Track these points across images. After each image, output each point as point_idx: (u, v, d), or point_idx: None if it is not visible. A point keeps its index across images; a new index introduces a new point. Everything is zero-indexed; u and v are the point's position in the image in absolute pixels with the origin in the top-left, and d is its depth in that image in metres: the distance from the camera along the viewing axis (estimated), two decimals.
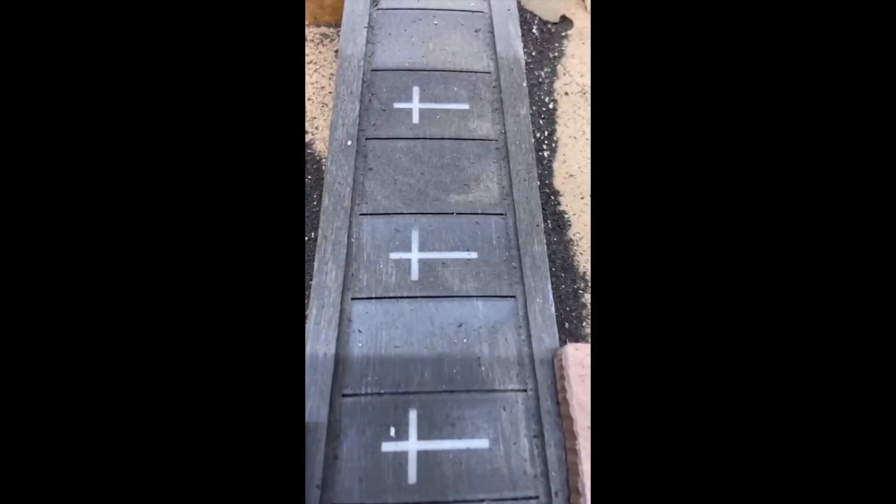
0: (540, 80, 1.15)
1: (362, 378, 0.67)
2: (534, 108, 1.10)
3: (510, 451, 0.65)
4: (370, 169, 0.84)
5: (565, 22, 1.27)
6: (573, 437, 0.62)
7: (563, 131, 1.10)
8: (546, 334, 0.71)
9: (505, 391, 0.68)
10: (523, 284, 0.75)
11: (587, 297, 0.92)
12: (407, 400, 0.66)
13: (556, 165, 1.06)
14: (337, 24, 1.18)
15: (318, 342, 0.68)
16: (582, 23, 1.27)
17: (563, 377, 0.65)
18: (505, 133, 0.88)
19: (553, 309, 0.73)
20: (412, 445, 0.64)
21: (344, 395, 0.66)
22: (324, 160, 1.01)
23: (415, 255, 0.77)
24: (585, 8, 1.30)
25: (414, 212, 0.80)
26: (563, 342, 0.86)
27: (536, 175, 0.85)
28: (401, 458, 0.63)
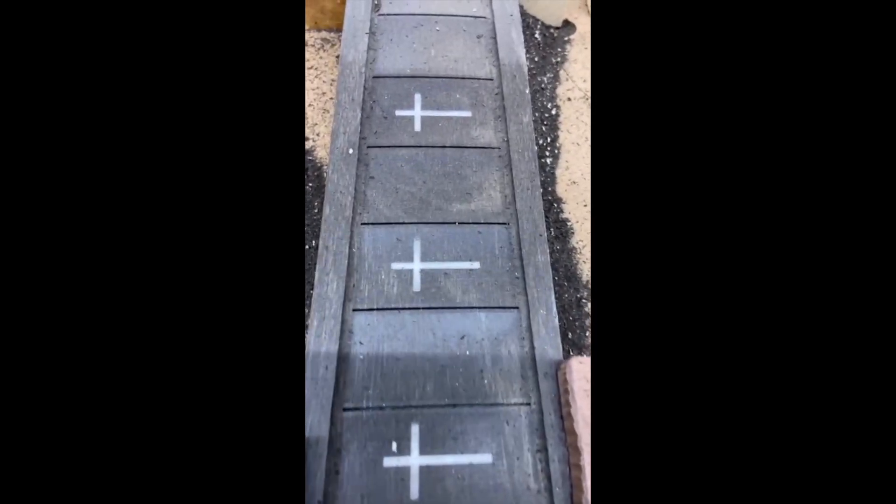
0: (542, 85, 1.14)
1: (364, 391, 0.66)
2: (536, 114, 1.09)
3: (513, 465, 0.64)
4: (371, 177, 0.83)
5: (568, 26, 1.26)
6: (577, 452, 0.61)
7: (565, 137, 1.09)
8: (549, 346, 0.70)
9: (508, 405, 0.67)
10: (526, 295, 0.74)
11: (591, 307, 0.91)
12: (409, 414, 0.65)
13: (558, 172, 1.05)
14: (338, 29, 1.17)
15: (319, 355, 0.67)
16: (584, 27, 1.26)
17: (567, 391, 0.64)
18: (507, 141, 0.88)
19: (557, 320, 0.72)
20: (414, 460, 0.63)
21: (345, 409, 0.65)
22: (325, 167, 1.00)
23: (417, 266, 0.76)
24: (588, 12, 1.29)
25: (416, 221, 0.80)
26: (566, 353, 0.85)
27: (539, 183, 0.84)
28: (403, 473, 0.63)
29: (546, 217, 0.97)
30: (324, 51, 1.16)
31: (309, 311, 0.72)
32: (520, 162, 0.86)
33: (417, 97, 0.91)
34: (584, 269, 0.95)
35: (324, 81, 1.11)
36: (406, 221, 0.79)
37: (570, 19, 1.27)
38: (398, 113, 0.89)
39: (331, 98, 1.09)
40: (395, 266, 0.76)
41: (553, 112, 1.11)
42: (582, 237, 0.98)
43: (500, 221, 0.81)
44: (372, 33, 0.98)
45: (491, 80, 0.94)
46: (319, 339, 0.68)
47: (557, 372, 0.68)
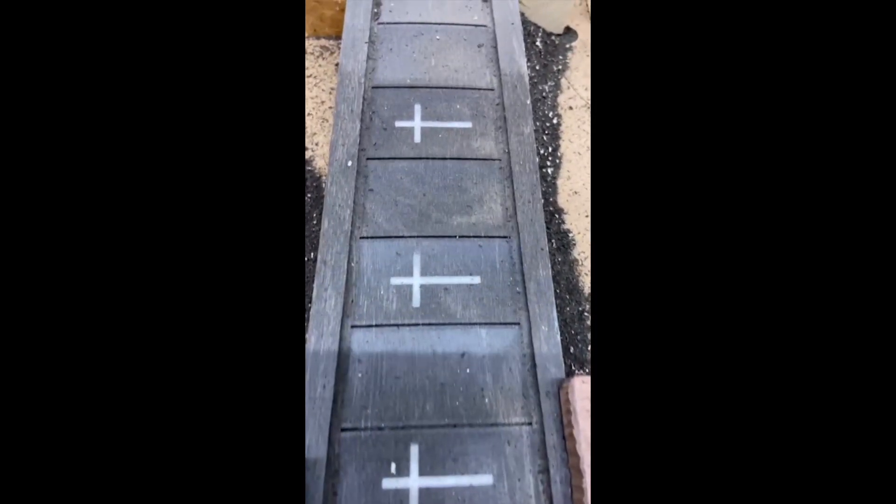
0: (543, 94, 1.13)
1: (362, 411, 0.65)
2: (537, 123, 1.08)
3: (515, 487, 0.63)
4: (371, 190, 0.82)
5: (569, 33, 1.25)
6: (579, 474, 0.60)
7: (567, 147, 1.08)
8: (551, 364, 0.69)
9: (509, 425, 0.66)
10: (528, 311, 0.73)
11: (591, 328, 0.90)
12: (408, 434, 0.64)
13: (560, 182, 1.04)
14: (337, 37, 1.16)
15: (317, 373, 0.66)
16: (586, 34, 1.25)
17: (569, 412, 0.63)
18: (508, 152, 0.86)
19: (559, 337, 0.71)
20: (413, 482, 0.62)
21: (343, 430, 0.64)
22: (324, 177, 0.99)
23: (416, 281, 0.75)
24: (589, 18, 1.28)
25: (415, 235, 0.78)
26: (568, 367, 0.84)
27: (541, 196, 0.83)
28: (402, 495, 0.61)
29: (547, 228, 0.96)
30: (322, 59, 1.15)
31: (307, 328, 0.71)
32: (521, 174, 0.84)
33: (417, 108, 0.90)
34: (586, 282, 0.93)
35: (322, 90, 1.10)
36: (406, 235, 0.78)
37: (572, 26, 1.26)
38: (398, 124, 0.88)
39: (330, 107, 1.07)
40: (395, 281, 0.75)
41: (554, 121, 1.10)
42: (583, 249, 0.97)
43: (501, 235, 0.80)
44: (371, 42, 0.97)
45: (492, 90, 0.93)
46: (318, 358, 0.67)
47: (559, 391, 0.67)
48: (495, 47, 0.98)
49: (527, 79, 0.94)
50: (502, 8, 1.03)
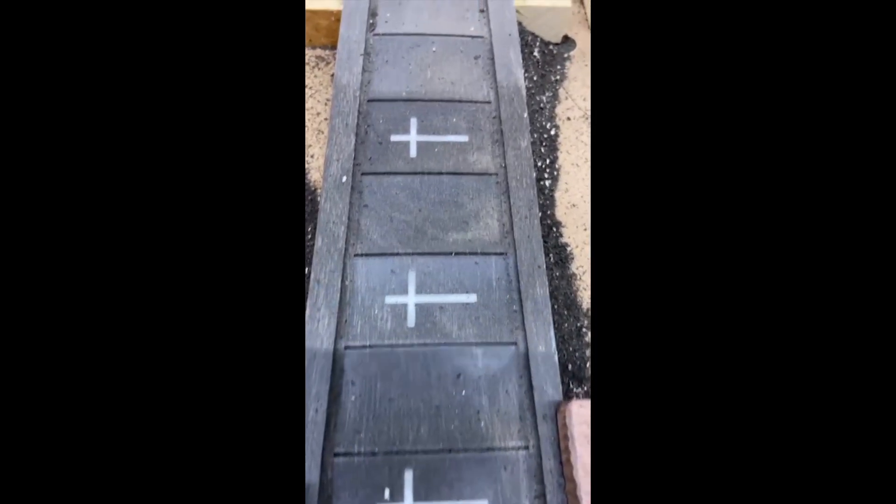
0: (541, 105, 1.12)
1: (355, 435, 0.64)
2: (535, 135, 1.07)
3: None
4: (365, 206, 0.81)
5: (568, 42, 1.23)
6: (576, 501, 0.59)
7: (564, 158, 1.07)
8: (549, 385, 0.68)
9: (505, 449, 0.64)
10: (524, 330, 0.72)
11: (591, 353, 0.89)
12: (402, 459, 0.63)
13: (557, 195, 1.03)
14: (333, 46, 1.15)
15: (310, 396, 0.65)
16: (584, 43, 1.24)
17: (566, 437, 0.62)
18: (505, 167, 0.85)
19: (556, 357, 0.70)
20: None
21: (336, 455, 0.63)
22: (318, 190, 0.98)
23: (411, 299, 0.74)
24: (588, 27, 1.27)
25: (411, 252, 0.77)
26: (566, 385, 0.83)
27: (538, 212, 0.82)
28: None
29: (545, 242, 0.95)
30: (318, 69, 1.14)
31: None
32: (518, 189, 0.83)
33: (413, 121, 0.89)
34: (584, 297, 0.92)
35: (318, 101, 1.09)
36: (401, 252, 0.77)
37: (571, 35, 1.25)
38: (393, 138, 0.87)
39: (325, 118, 1.06)
40: (389, 300, 0.73)
41: (552, 132, 1.09)
42: (582, 263, 0.96)
43: (498, 251, 0.79)
44: (367, 54, 0.96)
45: (488, 102, 0.92)
46: (311, 380, 0.66)
47: (557, 414, 0.65)
48: (492, 59, 0.97)
49: (524, 91, 0.93)
50: (499, 18, 1.02)
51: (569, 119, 1.12)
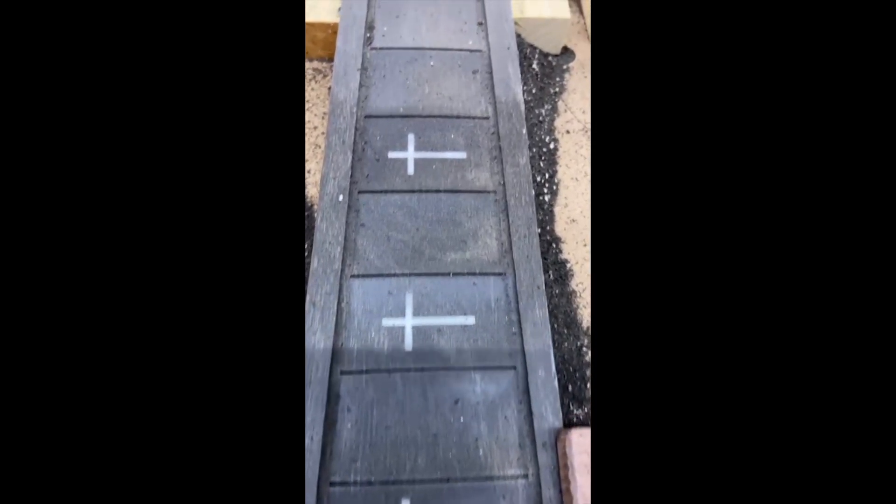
0: (540, 118, 1.11)
1: (351, 464, 0.63)
2: (534, 149, 1.06)
3: None
4: (362, 225, 0.80)
5: (567, 54, 1.22)
6: None
7: (564, 172, 1.06)
8: (549, 411, 0.67)
9: (504, 478, 0.63)
10: (524, 353, 0.71)
11: (591, 381, 0.87)
12: (399, 489, 0.62)
13: (557, 210, 1.02)
14: (329, 59, 1.14)
15: (306, 423, 0.64)
16: (583, 54, 1.23)
17: (566, 466, 0.61)
18: (504, 184, 0.84)
19: (556, 382, 0.69)
20: None
21: (332, 484, 0.62)
22: (315, 206, 0.97)
23: (409, 322, 0.72)
24: (588, 37, 1.26)
25: (408, 272, 0.76)
26: (566, 407, 0.81)
27: (537, 231, 0.81)
28: None
29: (544, 259, 0.94)
30: (315, 82, 1.12)
31: None
32: (517, 207, 0.82)
33: (411, 137, 0.88)
34: (585, 315, 0.91)
35: (315, 115, 1.08)
36: (398, 273, 0.76)
37: (570, 46, 1.24)
38: (391, 155, 0.86)
39: (322, 133, 1.05)
40: (386, 322, 0.72)
41: (551, 146, 1.08)
42: (582, 279, 0.95)
43: (497, 272, 0.77)
44: (364, 69, 0.94)
45: (487, 118, 0.91)
46: (306, 406, 0.65)
47: (557, 442, 0.64)
48: (490, 73, 0.96)
49: (522, 107, 0.92)
50: (498, 30, 1.01)
51: (568, 132, 1.11)
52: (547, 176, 1.05)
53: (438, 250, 0.78)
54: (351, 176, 0.83)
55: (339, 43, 0.97)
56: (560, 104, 1.14)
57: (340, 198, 0.80)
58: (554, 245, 0.98)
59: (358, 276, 0.75)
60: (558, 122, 1.12)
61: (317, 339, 0.69)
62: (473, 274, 0.77)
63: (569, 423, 0.78)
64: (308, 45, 1.12)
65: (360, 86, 0.92)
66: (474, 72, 0.96)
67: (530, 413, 0.67)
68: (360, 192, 0.82)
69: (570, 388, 0.84)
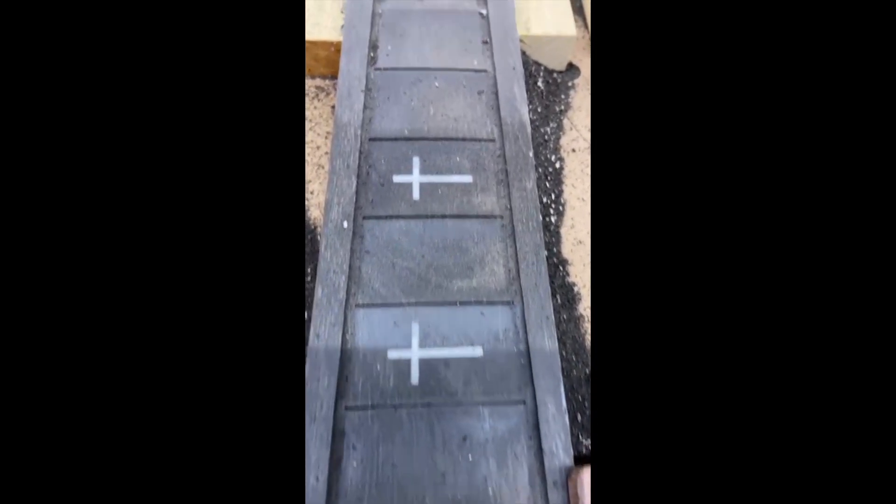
0: (545, 137, 1.09)
1: None
2: (539, 169, 1.05)
3: None
4: (367, 252, 0.78)
5: (572, 70, 1.21)
6: None
7: (570, 192, 1.04)
8: (559, 448, 0.65)
9: None
10: (533, 386, 0.69)
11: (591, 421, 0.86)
12: None
13: (563, 231, 1.00)
14: (332, 76, 1.13)
15: (310, 463, 0.62)
16: (589, 70, 1.22)
17: None
18: (511, 209, 0.83)
19: (566, 417, 0.67)
20: None
21: None
22: (318, 229, 0.95)
23: (415, 354, 0.71)
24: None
25: (414, 302, 0.75)
26: (575, 437, 0.80)
27: (545, 257, 0.79)
28: None
29: (551, 283, 0.92)
30: (318, 100, 1.11)
31: None
32: (524, 233, 0.81)
33: (416, 161, 0.86)
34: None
35: (318, 134, 1.06)
36: (404, 302, 0.74)
37: (575, 62, 1.23)
38: (396, 179, 0.84)
39: (325, 152, 1.04)
40: (392, 355, 0.71)
41: (557, 165, 1.07)
42: (589, 303, 0.93)
43: (504, 300, 0.76)
44: (368, 90, 0.93)
45: (493, 140, 0.90)
46: (310, 445, 0.63)
47: (567, 481, 0.63)
48: (496, 93, 0.95)
49: (528, 128, 0.91)
50: (503, 49, 1.00)
51: (574, 151, 1.09)
52: (553, 196, 1.03)
53: (445, 278, 0.77)
54: (356, 201, 0.81)
55: (342, 63, 0.96)
56: (565, 122, 1.13)
57: (345, 224, 0.79)
58: (561, 268, 0.96)
59: (363, 305, 0.74)
60: (564, 141, 1.10)
61: (321, 373, 0.68)
62: (481, 303, 0.75)
63: (579, 456, 0.76)
64: (310, 62, 1.11)
65: (365, 107, 0.91)
66: (479, 92, 0.95)
67: (540, 450, 0.65)
68: (364, 218, 0.81)
69: (578, 417, 0.82)
